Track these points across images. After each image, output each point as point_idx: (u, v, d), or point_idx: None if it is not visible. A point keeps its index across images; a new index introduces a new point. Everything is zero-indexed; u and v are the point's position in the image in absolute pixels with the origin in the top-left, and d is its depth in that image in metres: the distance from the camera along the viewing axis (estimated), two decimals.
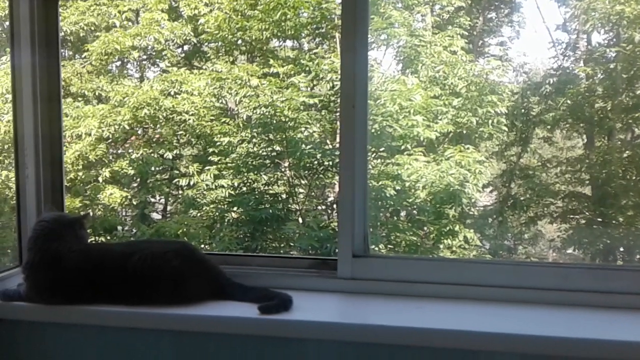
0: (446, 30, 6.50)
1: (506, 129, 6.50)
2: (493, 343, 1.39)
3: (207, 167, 6.55)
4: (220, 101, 6.97)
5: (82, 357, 1.61)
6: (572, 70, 7.09)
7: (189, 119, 6.67)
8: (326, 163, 6.48)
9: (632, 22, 6.22)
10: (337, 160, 1.81)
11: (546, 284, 1.60)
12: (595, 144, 6.92)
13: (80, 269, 1.56)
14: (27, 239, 1.62)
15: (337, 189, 5.16)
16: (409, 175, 5.91)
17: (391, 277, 1.68)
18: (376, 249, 5.58)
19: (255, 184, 6.59)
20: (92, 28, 7.00)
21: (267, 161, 6.68)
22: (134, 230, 7.00)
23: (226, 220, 6.60)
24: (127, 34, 6.81)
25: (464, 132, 6.23)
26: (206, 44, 7.36)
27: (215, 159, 6.58)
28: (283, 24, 6.74)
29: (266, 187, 6.65)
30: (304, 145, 6.44)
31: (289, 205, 6.67)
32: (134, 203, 6.99)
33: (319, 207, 7.04)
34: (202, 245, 6.25)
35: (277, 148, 6.58)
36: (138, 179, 7.18)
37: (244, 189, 6.62)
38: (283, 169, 6.70)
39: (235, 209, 6.59)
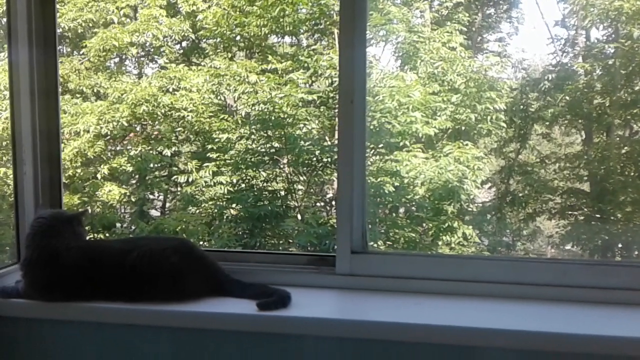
0: (445, 27, 6.50)
1: (505, 125, 6.49)
2: (491, 339, 1.40)
3: (205, 164, 6.55)
4: (218, 97, 6.96)
5: (81, 354, 1.61)
6: (570, 67, 7.09)
7: (188, 116, 6.66)
8: (325, 159, 6.48)
9: (630, 17, 6.21)
10: (336, 156, 1.81)
11: (544, 280, 1.60)
12: (593, 140, 6.92)
13: (78, 266, 1.55)
14: (25, 236, 1.62)
15: (335, 185, 5.16)
16: (408, 171, 5.91)
17: (389, 274, 1.68)
18: (375, 245, 5.58)
19: (254, 180, 6.59)
20: (90, 24, 6.98)
21: (266, 158, 6.68)
22: (133, 227, 7.00)
23: (225, 217, 6.60)
24: (125, 30, 6.80)
25: (463, 128, 6.23)
26: (204, 40, 7.35)
27: (214, 155, 6.57)
28: (281, 20, 6.73)
29: (265, 184, 6.65)
30: (302, 142, 6.44)
31: (288, 202, 6.67)
32: (133, 200, 6.99)
33: (318, 204, 7.04)
34: (201, 242, 6.26)
35: (276, 145, 6.57)
36: (137, 176, 7.18)
37: (243, 185, 6.62)
38: (282, 166, 6.70)
39: (234, 205, 6.59)
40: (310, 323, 1.48)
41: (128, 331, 1.57)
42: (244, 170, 6.55)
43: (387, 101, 5.95)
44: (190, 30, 7.07)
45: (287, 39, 7.34)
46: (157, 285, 1.56)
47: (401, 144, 5.99)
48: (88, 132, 6.47)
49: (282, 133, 6.43)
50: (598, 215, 6.49)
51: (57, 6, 1.90)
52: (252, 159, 6.61)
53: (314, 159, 6.51)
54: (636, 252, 6.30)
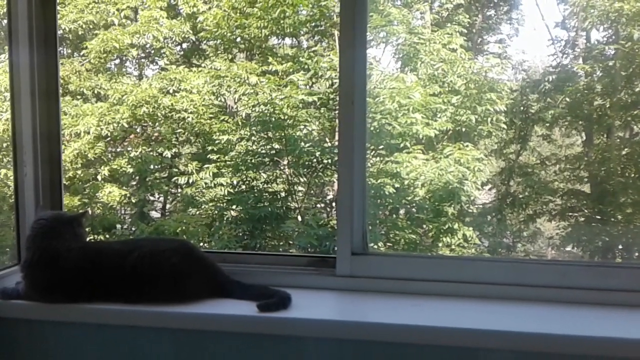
0: (445, 28, 6.50)
1: (505, 126, 6.50)
2: (491, 340, 1.40)
3: (206, 165, 6.55)
4: (219, 99, 6.97)
5: (81, 355, 1.61)
6: (571, 68, 7.09)
7: (188, 117, 6.66)
8: (325, 161, 6.49)
9: (631, 19, 6.22)
10: (336, 158, 1.81)
11: (545, 282, 1.60)
12: (594, 142, 6.92)
13: (78, 267, 1.55)
14: (26, 238, 1.62)
15: (336, 187, 5.15)
16: (408, 173, 5.91)
17: (390, 275, 1.68)
18: (375, 246, 5.58)
19: (255, 182, 6.59)
20: (91, 26, 6.99)
21: (266, 159, 6.68)
22: (133, 229, 7.00)
23: (225, 219, 6.60)
24: (126, 32, 6.81)
25: (463, 129, 6.23)
26: (205, 41, 7.36)
27: (214, 157, 6.58)
28: (282, 21, 6.73)
29: (265, 185, 6.65)
30: (303, 143, 6.44)
31: (288, 203, 6.68)
32: (133, 201, 7.00)
33: (318, 205, 7.04)
34: (201, 244, 6.26)
35: (276, 146, 6.58)
36: (137, 177, 7.18)
37: (243, 187, 6.62)
38: (282, 167, 6.70)
39: (234, 207, 6.59)
40: (310, 324, 1.47)
41: (129, 332, 1.57)
42: (245, 172, 6.55)
43: (387, 102, 5.95)
44: (191, 31, 7.08)
45: (288, 41, 7.35)
46: (158, 286, 1.56)
47: (401, 145, 5.99)
48: (88, 133, 6.48)
49: (283, 134, 6.43)
50: (598, 217, 6.49)
51: (58, 8, 1.90)
52: (253, 161, 6.61)
53: (315, 160, 6.51)
54: (636, 254, 6.29)
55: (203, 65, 7.20)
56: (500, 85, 6.42)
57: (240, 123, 6.75)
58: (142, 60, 7.66)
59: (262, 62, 6.77)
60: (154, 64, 7.66)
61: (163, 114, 6.74)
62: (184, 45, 7.71)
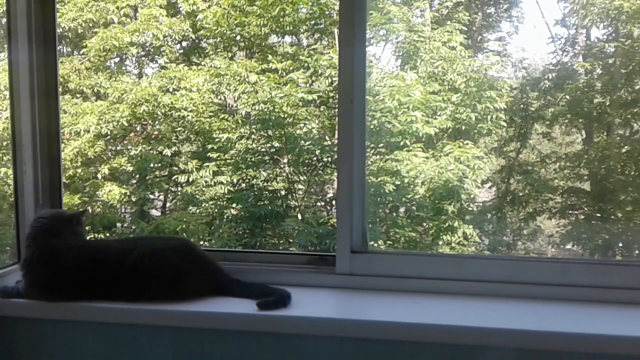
0: (445, 26, 6.49)
1: (505, 124, 6.50)
2: (491, 338, 1.40)
3: (206, 164, 6.55)
4: (219, 97, 6.97)
5: (81, 354, 1.61)
6: (571, 66, 7.08)
7: (188, 116, 6.66)
8: (325, 159, 6.49)
9: (630, 17, 6.21)
10: (336, 156, 1.81)
11: (545, 279, 1.60)
12: (594, 140, 6.92)
13: (78, 266, 1.55)
14: (25, 236, 1.62)
15: (336, 185, 5.15)
16: (408, 171, 5.91)
17: (390, 273, 1.68)
18: (375, 245, 5.58)
19: (254, 180, 6.59)
20: (90, 24, 6.98)
21: (266, 157, 6.68)
22: (133, 227, 7.00)
23: (225, 217, 6.60)
24: (126, 30, 6.80)
25: (463, 127, 6.23)
26: (205, 40, 7.35)
27: (214, 155, 6.58)
28: (282, 19, 6.73)
29: (265, 184, 6.65)
30: (302, 142, 6.44)
31: (288, 202, 6.68)
32: (133, 200, 6.99)
33: (318, 203, 7.04)
34: (201, 242, 6.26)
35: (276, 144, 6.58)
36: (137, 176, 7.18)
37: (243, 185, 6.63)
38: (282, 165, 6.70)
39: (234, 205, 6.59)
40: (310, 322, 1.48)
41: (129, 331, 1.57)
42: (244, 170, 6.55)
43: (387, 101, 5.95)
44: (191, 30, 7.08)
45: (287, 39, 7.34)
46: (158, 284, 1.56)
47: (401, 143, 5.99)
48: (88, 132, 6.47)
49: (282, 133, 6.43)
50: (598, 215, 6.49)
51: (57, 6, 1.90)
52: (253, 159, 6.61)
53: (314, 158, 6.51)
54: (636, 252, 6.30)
55: (203, 63, 7.20)
56: (500, 83, 6.42)
57: (240, 121, 6.75)
58: (142, 58, 7.65)
59: (261, 60, 6.76)
60: (154, 62, 7.66)
61: (163, 113, 6.74)
62: (184, 44, 7.71)
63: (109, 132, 6.64)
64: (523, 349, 1.39)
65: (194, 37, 7.28)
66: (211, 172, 6.44)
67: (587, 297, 1.56)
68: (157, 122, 6.96)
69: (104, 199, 6.63)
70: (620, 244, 6.47)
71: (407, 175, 5.92)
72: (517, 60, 7.33)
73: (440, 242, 5.98)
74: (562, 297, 1.57)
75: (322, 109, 6.58)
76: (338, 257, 1.70)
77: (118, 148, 7.20)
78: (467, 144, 6.02)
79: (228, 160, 6.59)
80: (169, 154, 6.91)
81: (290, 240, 6.44)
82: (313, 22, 7.01)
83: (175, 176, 6.86)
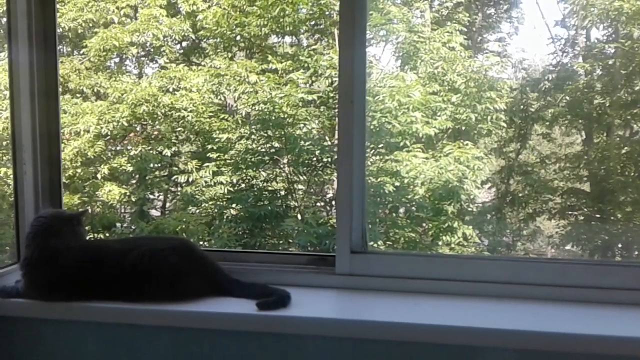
0: (445, 27, 6.49)
1: (505, 125, 6.50)
2: (491, 339, 1.40)
3: (205, 164, 6.55)
4: (218, 97, 6.96)
5: (80, 354, 1.61)
6: (571, 67, 7.09)
7: (188, 116, 6.66)
8: (325, 159, 6.49)
9: (630, 17, 6.21)
10: (336, 156, 1.81)
11: (544, 280, 1.60)
12: (594, 140, 6.92)
13: (78, 266, 1.55)
14: (25, 236, 1.62)
15: (335, 185, 5.15)
16: (408, 171, 5.91)
17: (389, 274, 1.68)
18: (374, 245, 5.58)
19: (254, 180, 6.59)
20: (90, 24, 6.98)
21: (266, 158, 6.68)
22: (133, 227, 7.00)
23: (225, 217, 6.60)
24: (126, 30, 6.80)
25: (463, 128, 6.23)
26: (205, 40, 7.35)
27: (214, 155, 6.58)
28: (282, 20, 6.73)
29: (265, 184, 6.65)
30: (302, 142, 6.44)
31: (288, 202, 6.68)
32: (133, 200, 6.99)
33: (318, 204, 7.04)
34: (201, 242, 6.26)
35: (276, 144, 6.58)
36: (137, 176, 7.18)
37: (243, 185, 6.62)
38: (282, 166, 6.70)
39: (234, 205, 6.59)
40: (310, 323, 1.48)
41: (128, 331, 1.57)
42: (244, 170, 6.55)
43: (387, 101, 5.95)
44: (191, 30, 7.08)
45: (287, 39, 7.34)
46: (157, 285, 1.56)
47: (401, 144, 5.99)
48: (88, 132, 6.47)
49: (282, 133, 6.43)
50: (598, 216, 6.49)
51: (57, 6, 1.90)
52: (252, 159, 6.61)
53: (314, 158, 6.51)
54: (636, 252, 6.30)
55: (203, 63, 7.20)
56: (500, 83, 6.42)
57: (240, 121, 6.75)
58: (142, 58, 7.65)
59: (261, 61, 6.76)
60: (154, 62, 7.66)
61: (163, 113, 6.74)
62: (184, 44, 7.71)
63: (108, 132, 6.64)
64: (523, 350, 1.39)
65: (194, 37, 7.28)
66: (211, 172, 6.44)
67: (586, 297, 1.56)
68: (157, 122, 6.96)
69: (103, 199, 6.63)
70: (620, 245, 6.47)
71: (407, 175, 5.92)
72: (517, 61, 7.33)
73: (440, 243, 5.98)
74: (562, 297, 1.57)
75: (322, 110, 6.58)
76: (338, 257, 1.70)
77: (118, 148, 7.20)
78: (466, 144, 6.02)
79: (228, 161, 6.59)
80: (169, 154, 6.91)
81: (290, 241, 6.44)
82: (313, 22, 7.01)
83: (175, 176, 6.86)
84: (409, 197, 6.09)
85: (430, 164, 5.92)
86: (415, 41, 6.34)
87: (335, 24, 6.60)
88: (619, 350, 1.34)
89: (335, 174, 5.15)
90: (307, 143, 6.45)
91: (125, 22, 7.04)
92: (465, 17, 6.79)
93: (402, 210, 6.45)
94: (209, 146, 6.67)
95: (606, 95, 6.59)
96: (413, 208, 6.29)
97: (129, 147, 7.09)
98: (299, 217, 6.50)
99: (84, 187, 6.71)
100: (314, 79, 6.61)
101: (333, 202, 6.76)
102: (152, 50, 7.40)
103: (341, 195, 1.70)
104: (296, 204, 6.66)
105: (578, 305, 1.54)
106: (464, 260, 1.84)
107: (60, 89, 1.91)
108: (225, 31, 6.92)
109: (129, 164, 6.83)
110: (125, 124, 6.67)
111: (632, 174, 6.45)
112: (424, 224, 6.25)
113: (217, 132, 6.62)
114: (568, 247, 6.85)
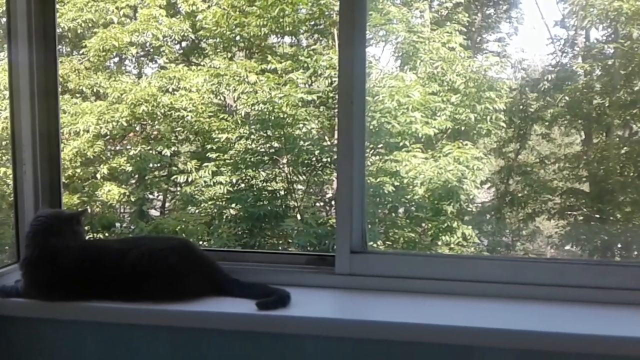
0: (444, 27, 6.50)
1: (504, 125, 6.50)
2: (490, 339, 1.40)
3: (205, 164, 6.55)
4: (218, 97, 6.97)
5: (80, 354, 1.61)
6: (570, 67, 7.09)
7: (187, 116, 6.66)
8: (324, 159, 6.49)
9: (630, 18, 6.22)
10: (336, 156, 1.81)
11: (544, 280, 1.60)
12: (593, 141, 6.92)
13: (78, 265, 1.55)
14: (25, 235, 1.62)
15: (335, 185, 5.15)
16: (407, 171, 5.92)
17: (389, 274, 1.68)
18: (374, 245, 5.59)
19: (254, 180, 6.59)
20: (90, 24, 6.98)
21: (266, 158, 6.68)
22: (132, 227, 7.00)
23: (224, 217, 6.60)
24: (125, 30, 6.80)
25: (462, 128, 6.23)
26: (204, 40, 7.35)
27: (214, 155, 6.58)
28: (281, 20, 6.73)
29: (264, 184, 6.65)
30: (302, 142, 6.45)
31: (287, 202, 6.68)
32: (132, 200, 6.99)
33: (317, 204, 7.04)
34: (200, 242, 6.26)
35: (276, 144, 6.58)
36: (136, 176, 7.18)
37: (242, 185, 6.63)
38: (281, 166, 6.70)
39: (233, 205, 6.59)
40: (309, 323, 1.48)
41: (127, 331, 1.57)
42: (244, 170, 6.55)
43: (386, 101, 5.95)
44: (190, 30, 7.08)
45: (287, 39, 7.34)
46: (157, 284, 1.56)
47: (401, 144, 5.99)
48: (88, 132, 6.47)
49: (282, 133, 6.43)
50: (597, 216, 6.50)
51: (57, 6, 1.90)
52: (252, 159, 6.61)
53: (314, 158, 6.51)
54: (635, 252, 6.30)
55: (202, 63, 7.20)
56: (499, 84, 6.42)
57: (239, 121, 6.75)
58: (142, 58, 7.65)
59: (261, 61, 6.76)
60: (153, 62, 7.66)
61: (162, 113, 6.74)
62: (183, 44, 7.71)
63: (108, 132, 6.64)
64: (522, 350, 1.40)
65: (193, 37, 7.28)
66: (210, 172, 6.44)
67: (586, 297, 1.56)
68: (156, 122, 6.97)
69: (103, 198, 6.63)
70: (619, 245, 6.48)
71: (407, 175, 5.93)
72: (516, 61, 7.35)
73: (440, 243, 5.98)
74: (561, 297, 1.57)
75: (321, 110, 6.58)
76: (337, 257, 1.70)
77: (117, 148, 7.21)
78: (466, 144, 6.03)
79: (227, 161, 6.59)
80: (168, 154, 6.92)
81: (290, 241, 6.44)
82: (313, 22, 7.01)
83: (175, 176, 6.86)
84: (409, 197, 6.09)
85: (429, 164, 5.92)
86: (414, 41, 6.34)
87: (334, 24, 6.60)
88: (618, 350, 1.35)
89: (335, 174, 5.16)
90: (306, 143, 6.46)
91: (124, 22, 7.04)
92: (464, 18, 6.80)
93: (401, 210, 6.46)
94: (209, 146, 6.67)
95: (605, 96, 6.60)
96: (412, 208, 6.29)
97: (128, 147, 7.09)
98: (299, 217, 6.50)
99: (83, 187, 6.71)
100: (313, 79, 6.62)
101: (332, 202, 6.77)
102: (151, 50, 7.40)
103: (341, 195, 1.70)
104: (296, 204, 6.66)
105: (577, 305, 1.54)
106: (464, 260, 1.84)
107: (59, 89, 1.91)
108: (224, 31, 6.92)
109: (129, 164, 6.83)
110: (125, 124, 6.67)
111: (632, 174, 6.46)
112: (423, 224, 6.25)
113: (217, 132, 6.62)
114: (567, 247, 6.86)
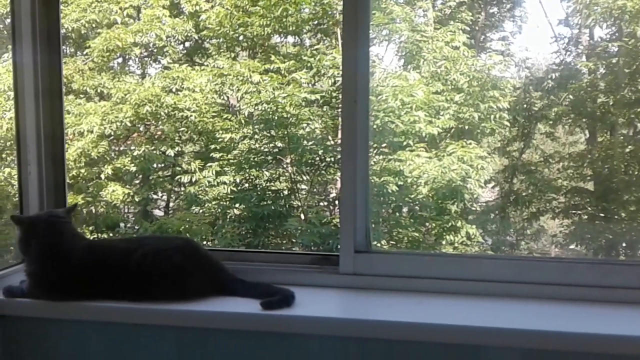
0: (448, 26, 6.48)
1: (508, 124, 6.48)
2: (495, 338, 1.40)
3: (209, 164, 6.55)
4: (221, 97, 6.97)
5: (85, 353, 1.61)
6: (574, 65, 7.07)
7: (191, 116, 6.67)
8: (328, 159, 6.48)
9: (634, 16, 6.19)
10: (339, 156, 1.82)
11: (548, 279, 1.60)
12: (597, 139, 6.90)
13: (82, 265, 1.56)
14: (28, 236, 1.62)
15: (339, 185, 5.15)
16: (411, 171, 5.91)
17: (393, 273, 1.68)
18: (378, 244, 5.58)
19: (257, 180, 6.60)
20: (94, 25, 6.99)
21: (269, 157, 6.68)
22: (137, 227, 7.01)
23: (228, 217, 6.61)
24: (129, 30, 6.81)
25: (466, 127, 6.22)
26: (207, 40, 7.35)
27: (217, 155, 6.58)
28: (284, 19, 6.73)
29: (268, 184, 6.65)
30: (305, 142, 6.45)
31: (291, 202, 6.68)
32: (136, 200, 7.00)
33: (321, 204, 7.04)
34: (205, 242, 6.26)
35: (279, 144, 6.58)
36: (140, 176, 7.19)
37: (246, 185, 6.63)
38: (285, 165, 6.70)
39: (237, 205, 6.59)
40: (314, 322, 1.48)
41: (132, 330, 1.57)
42: (247, 170, 6.56)
43: (390, 100, 5.95)
44: (193, 30, 7.08)
45: (290, 39, 7.34)
46: (161, 284, 1.56)
47: (404, 143, 5.99)
48: (92, 132, 6.49)
49: (285, 133, 6.43)
50: (602, 215, 6.47)
51: (61, 7, 1.90)
52: (255, 159, 6.61)
53: (317, 158, 6.51)
54: None
55: (206, 63, 7.20)
56: (503, 82, 6.40)
57: (243, 121, 6.76)
58: (145, 59, 7.66)
59: (264, 61, 6.76)
60: (157, 62, 7.67)
61: (166, 113, 6.75)
62: (187, 44, 7.71)
63: (112, 133, 6.65)
64: (527, 349, 1.39)
65: (196, 37, 7.29)
66: (214, 172, 6.45)
67: (590, 296, 1.55)
68: (160, 123, 6.97)
69: (107, 199, 6.64)
70: (624, 244, 6.45)
71: (410, 175, 5.92)
72: (520, 59, 7.31)
73: (444, 242, 5.97)
74: (566, 297, 1.57)
75: (324, 109, 6.58)
76: (342, 256, 1.70)
77: (121, 148, 7.21)
78: (470, 143, 6.02)
79: (231, 160, 6.59)
80: (172, 154, 6.92)
81: (294, 240, 6.44)
82: (316, 22, 7.01)
83: (179, 176, 6.87)
84: (413, 196, 6.08)
85: (433, 163, 5.91)
86: (418, 40, 6.33)
87: (338, 23, 6.60)
88: (623, 349, 1.34)
89: (339, 174, 5.16)
90: (310, 143, 6.46)
91: (128, 22, 7.05)
92: (468, 16, 6.78)
93: (405, 209, 6.45)
94: (212, 146, 6.68)
95: (610, 94, 6.57)
96: (416, 207, 6.28)
97: (132, 147, 7.10)
98: (302, 216, 6.50)
99: (87, 187, 6.73)
100: (316, 78, 6.61)
101: (336, 202, 6.76)
102: (155, 50, 7.41)
103: (345, 195, 1.70)
104: (299, 204, 6.66)
105: (582, 304, 1.54)
106: (468, 259, 1.84)
107: (64, 90, 1.92)
108: (228, 31, 6.92)
109: (133, 164, 6.84)
110: (129, 124, 6.68)
111: (636, 172, 6.43)
112: (427, 224, 6.25)
113: (220, 132, 6.63)
114: (572, 246, 6.83)
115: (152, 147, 6.95)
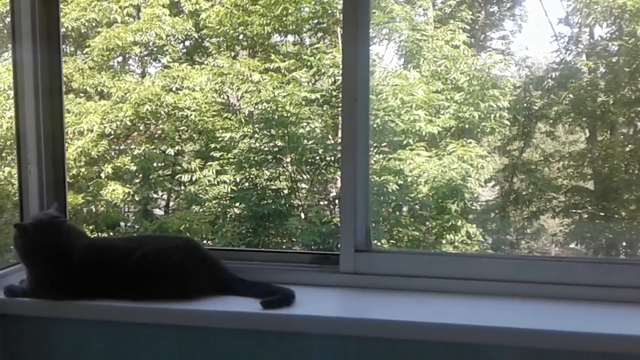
0: (448, 25, 6.49)
1: (508, 123, 6.49)
2: (495, 337, 1.40)
3: (209, 163, 6.56)
4: (222, 96, 6.97)
5: (86, 352, 1.61)
6: (574, 64, 7.07)
7: (191, 115, 6.67)
8: (328, 158, 6.49)
9: (634, 15, 6.19)
10: (339, 155, 1.81)
11: (548, 278, 1.59)
12: (597, 138, 6.90)
13: (83, 264, 1.56)
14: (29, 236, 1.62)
15: (339, 184, 5.15)
16: (411, 170, 5.91)
17: (393, 272, 1.68)
18: (378, 244, 5.58)
19: (258, 179, 6.60)
20: (94, 24, 6.99)
21: (269, 157, 6.69)
22: (137, 227, 7.01)
23: (228, 216, 6.61)
24: (129, 29, 6.81)
25: (466, 126, 6.22)
26: (207, 39, 7.36)
27: (217, 154, 6.59)
28: (284, 18, 6.73)
29: (268, 183, 6.65)
30: (305, 141, 6.45)
31: (291, 201, 6.68)
32: (137, 199, 7.01)
33: (321, 203, 7.04)
34: (205, 241, 6.27)
35: (279, 143, 6.58)
36: (140, 175, 7.19)
37: (246, 184, 6.63)
38: (285, 165, 6.70)
39: (237, 204, 6.60)
40: (314, 321, 1.48)
41: (133, 329, 1.57)
42: (248, 169, 6.56)
43: (390, 99, 5.95)
44: (193, 29, 7.09)
45: (290, 38, 7.35)
46: (161, 283, 1.56)
47: (404, 142, 5.99)
48: (92, 131, 6.49)
49: (286, 132, 6.43)
50: (602, 214, 6.48)
51: (61, 5, 1.90)
52: (256, 158, 6.61)
53: (317, 157, 6.51)
54: None
55: (206, 62, 7.20)
56: (503, 81, 6.41)
57: (243, 120, 6.76)
58: (145, 58, 7.66)
59: (264, 60, 6.77)
60: (157, 61, 7.67)
61: (166, 112, 6.75)
62: (187, 43, 7.71)
63: (112, 132, 6.65)
64: (527, 348, 1.39)
65: (196, 36, 7.29)
66: (214, 171, 6.45)
67: (590, 296, 1.55)
68: (160, 122, 6.98)
69: (107, 198, 6.65)
70: (624, 243, 6.46)
71: (410, 174, 5.92)
72: (520, 58, 7.32)
73: (444, 241, 5.98)
74: (566, 296, 1.56)
75: (325, 108, 6.58)
76: (342, 256, 1.70)
77: (121, 147, 7.22)
78: (470, 142, 6.02)
79: (231, 160, 6.59)
80: (172, 153, 6.93)
81: (294, 239, 6.44)
82: (316, 21, 7.01)
83: (179, 175, 6.87)
84: (413, 195, 6.09)
85: (433, 162, 5.92)
86: (418, 39, 6.34)
87: (338, 22, 6.60)
88: (623, 348, 1.34)
89: (339, 173, 5.16)
90: (310, 142, 6.46)
91: (128, 21, 7.05)
92: (468, 15, 6.78)
93: (405, 208, 6.45)
94: (212, 145, 6.68)
95: (610, 93, 6.57)
96: (417, 206, 6.28)
97: (132, 147, 7.10)
98: (303, 215, 6.51)
99: (87, 186, 6.73)
100: (317, 77, 6.62)
101: (336, 201, 6.77)
102: (155, 49, 7.42)
103: (345, 194, 1.70)
104: (300, 203, 6.66)
105: (582, 303, 1.54)
106: (468, 258, 1.84)
107: (64, 89, 1.91)
108: (228, 30, 6.93)
109: (133, 163, 6.84)
110: (129, 124, 6.68)
111: (636, 171, 6.44)
112: (427, 223, 6.25)
113: (221, 131, 6.63)
114: (572, 245, 6.84)
115: (152, 146, 6.95)
